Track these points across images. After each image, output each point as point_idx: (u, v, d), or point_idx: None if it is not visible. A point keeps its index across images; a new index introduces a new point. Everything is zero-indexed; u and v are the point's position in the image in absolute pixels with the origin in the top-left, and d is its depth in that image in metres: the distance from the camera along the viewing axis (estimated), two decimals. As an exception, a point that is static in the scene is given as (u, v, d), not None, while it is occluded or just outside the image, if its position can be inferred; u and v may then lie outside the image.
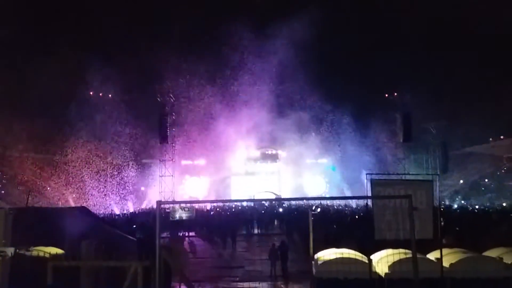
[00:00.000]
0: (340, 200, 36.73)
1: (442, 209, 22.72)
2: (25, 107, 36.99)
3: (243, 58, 43.68)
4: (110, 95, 42.27)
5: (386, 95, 39.84)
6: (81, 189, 38.98)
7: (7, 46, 35.63)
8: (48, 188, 38.01)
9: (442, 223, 21.36)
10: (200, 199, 44.38)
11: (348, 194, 41.78)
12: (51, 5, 42.08)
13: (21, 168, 37.56)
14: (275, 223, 30.75)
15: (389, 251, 10.14)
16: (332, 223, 24.90)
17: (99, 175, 40.43)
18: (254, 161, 49.52)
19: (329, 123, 45.15)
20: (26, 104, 36.98)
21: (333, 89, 43.21)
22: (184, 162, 46.85)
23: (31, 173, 37.42)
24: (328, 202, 36.04)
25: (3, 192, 39.37)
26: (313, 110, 44.33)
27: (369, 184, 9.41)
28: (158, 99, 38.30)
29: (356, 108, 43.56)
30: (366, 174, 10.12)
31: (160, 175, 38.41)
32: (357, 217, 27.59)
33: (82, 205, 31.40)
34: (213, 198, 43.92)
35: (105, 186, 40.68)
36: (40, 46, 37.25)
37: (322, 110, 44.22)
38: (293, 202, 36.13)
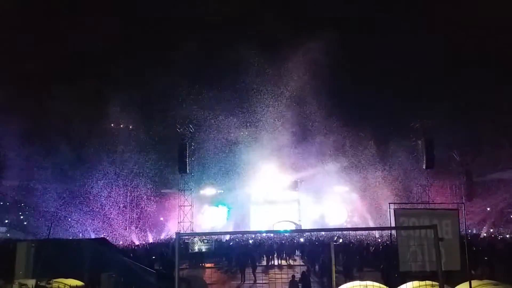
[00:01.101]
0: (363, 231, 35.90)
1: (469, 238, 21.96)
2: (47, 139, 38.02)
3: (261, 85, 44.02)
4: (130, 126, 43.23)
5: (411, 123, 39.58)
6: (102, 220, 39.29)
7: (26, 79, 36.93)
8: (69, 220, 38.51)
9: (477, 249, 20.65)
10: (219, 229, 44.09)
11: (371, 223, 40.84)
12: (69, 36, 43.76)
13: (43, 199, 38.29)
14: (296, 253, 30.18)
15: (415, 283, 9.78)
16: (355, 254, 24.34)
17: (119, 205, 40.81)
18: (273, 190, 49.14)
19: (350, 151, 44.68)
20: (48, 136, 38.01)
21: (354, 115, 43.03)
22: (202, 191, 46.95)
23: (52, 204, 38.05)
24: (351, 232, 35.25)
25: (25, 223, 40.02)
26: (333, 137, 44.01)
27: (392, 214, 9.24)
28: (178, 130, 38.91)
29: (377, 135, 43.16)
30: (389, 204, 9.90)
31: (179, 205, 38.50)
32: (381, 247, 26.92)
33: (102, 236, 31.63)
34: (232, 228, 43.52)
35: (124, 217, 40.95)
36: (60, 78, 38.59)
37: (342, 137, 43.86)
38: (313, 233, 35.48)
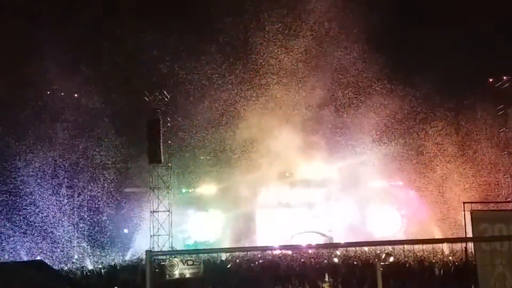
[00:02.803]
0: (426, 244, 35.99)
1: None
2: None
3: (269, 24, 43.18)
4: (75, 95, 43.10)
5: (491, 79, 39.10)
6: (37, 234, 39.64)
7: None
8: (-9, 235, 38.92)
9: None
10: (211, 244, 44.41)
11: (437, 233, 40.94)
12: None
13: None
14: (326, 279, 30.45)
15: (504, 321, 9.87)
16: (414, 279, 24.49)
17: (62, 213, 41.11)
18: (290, 187, 49.16)
19: (405, 127, 44.34)
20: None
21: (409, 71, 42.29)
22: (185, 189, 47.15)
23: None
24: (407, 247, 35.37)
25: None
26: (379, 106, 43.69)
27: (469, 219, 9.27)
28: (146, 98, 38.79)
29: (446, 100, 42.72)
30: (464, 204, 10.00)
31: (152, 210, 38.73)
32: (452, 268, 27.08)
33: (39, 258, 32.02)
34: (230, 243, 43.87)
35: (71, 230, 41.32)
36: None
37: (393, 105, 43.46)
38: (350, 248, 35.70)
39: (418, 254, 34.34)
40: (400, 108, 43.40)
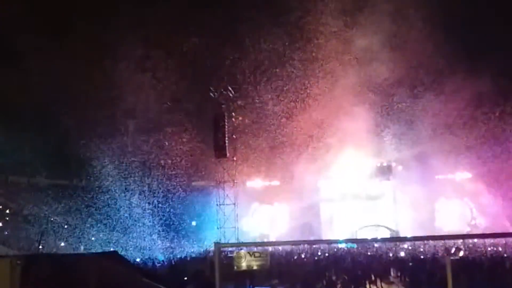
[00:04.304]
0: (497, 238, 34.77)
1: None
2: (31, 113, 39.44)
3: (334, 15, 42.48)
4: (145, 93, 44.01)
5: None
6: (111, 228, 40.83)
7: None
8: (66, 227, 40.35)
9: None
10: (276, 237, 44.52)
11: (509, 227, 39.62)
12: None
13: (29, 199, 40.16)
14: (392, 273, 29.98)
15: None
16: (484, 273, 23.78)
17: (134, 206, 42.20)
18: (355, 180, 48.69)
19: (475, 117, 42.74)
20: (32, 110, 39.41)
21: (487, 59, 40.29)
22: (250, 183, 47.41)
23: (43, 207, 39.84)
24: (477, 241, 34.32)
25: (6, 233, 42.23)
26: (451, 95, 42.28)
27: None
28: (212, 95, 39.18)
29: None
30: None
31: (218, 203, 39.18)
32: (525, 263, 26.18)
33: (113, 249, 33.01)
34: (295, 236, 43.88)
35: (142, 222, 42.35)
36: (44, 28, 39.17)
37: (465, 95, 41.71)
38: (418, 242, 35.01)
39: (489, 248, 33.34)
40: (473, 96, 41.78)
